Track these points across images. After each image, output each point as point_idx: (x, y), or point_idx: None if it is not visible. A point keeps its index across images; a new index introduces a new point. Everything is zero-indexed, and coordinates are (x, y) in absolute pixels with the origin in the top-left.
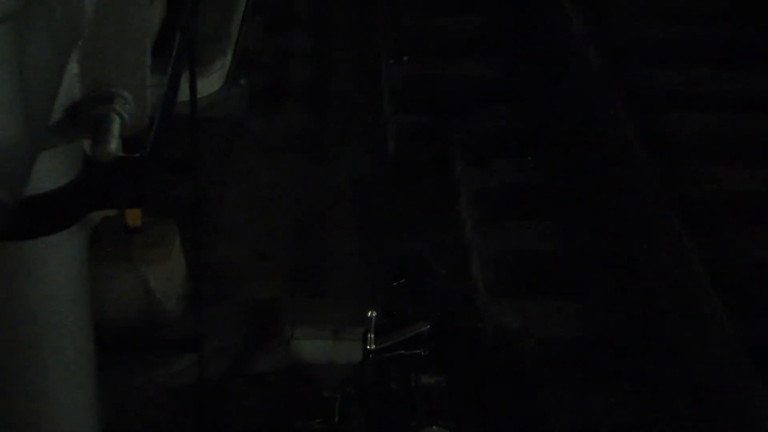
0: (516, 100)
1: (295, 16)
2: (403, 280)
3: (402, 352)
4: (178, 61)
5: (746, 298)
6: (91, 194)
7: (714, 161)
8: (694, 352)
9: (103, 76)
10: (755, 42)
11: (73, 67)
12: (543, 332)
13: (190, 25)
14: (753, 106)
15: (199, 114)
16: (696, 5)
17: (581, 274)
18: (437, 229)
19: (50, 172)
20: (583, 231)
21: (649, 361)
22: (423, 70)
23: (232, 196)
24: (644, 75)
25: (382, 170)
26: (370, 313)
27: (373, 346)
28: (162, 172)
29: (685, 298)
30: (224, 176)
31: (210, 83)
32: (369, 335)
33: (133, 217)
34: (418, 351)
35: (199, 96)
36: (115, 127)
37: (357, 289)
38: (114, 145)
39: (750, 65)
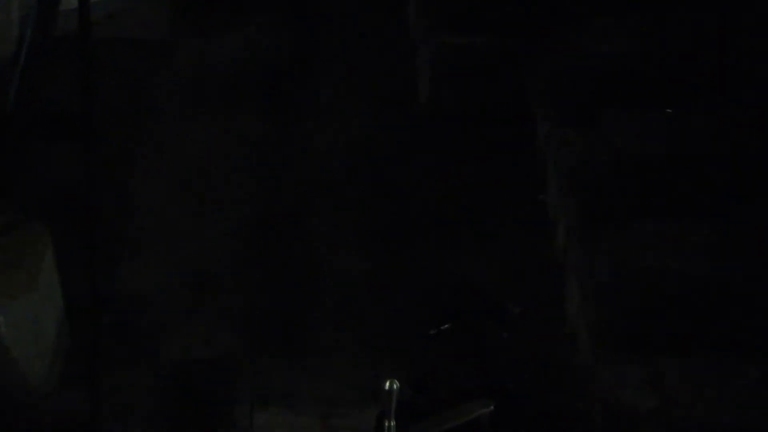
0: (642, 8)
1: None
2: (446, 326)
3: None
4: None
5: None
6: None
7: None
8: None
9: None
10: None
11: None
12: (694, 417)
13: None
14: None
15: (95, 34)
16: None
17: (761, 313)
18: (504, 236)
19: None
20: (762, 239)
21: None
22: None
23: (151, 179)
24: None
25: (408, 132)
26: (388, 384)
27: None
28: (31, 136)
29: None
30: (137, 143)
31: None
32: (387, 423)
33: None
34: None
35: (93, 1)
36: None
37: (364, 340)
38: None
39: None
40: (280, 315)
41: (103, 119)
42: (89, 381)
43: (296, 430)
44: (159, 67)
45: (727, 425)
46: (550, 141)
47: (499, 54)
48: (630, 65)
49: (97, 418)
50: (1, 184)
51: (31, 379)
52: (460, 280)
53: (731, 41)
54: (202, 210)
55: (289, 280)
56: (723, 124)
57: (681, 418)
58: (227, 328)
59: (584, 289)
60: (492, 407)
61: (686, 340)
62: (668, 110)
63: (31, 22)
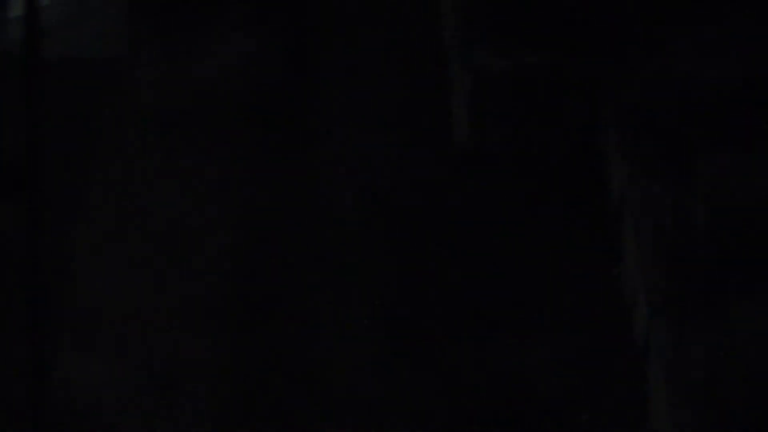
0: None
1: None
2: None
3: None
4: None
5: None
6: None
7: None
8: None
9: None
10: None
11: None
12: None
13: None
14: None
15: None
16: None
17: None
18: (567, 318)
19: None
20: None
21: None
22: None
23: (103, 239)
24: None
25: (440, 178)
26: None
27: None
28: None
29: None
30: (86, 193)
31: None
32: None
33: None
34: None
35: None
36: None
37: None
38: None
39: None
40: (269, 421)
41: (45, 161)
42: None
43: None
44: (114, 92)
45: None
46: (629, 195)
47: (562, 78)
48: (737, 94)
49: None
50: None
51: None
52: (507, 377)
53: None
54: (168, 279)
55: (281, 374)
56: None
57: None
58: None
59: (674, 389)
60: None
61: None
62: None
63: None
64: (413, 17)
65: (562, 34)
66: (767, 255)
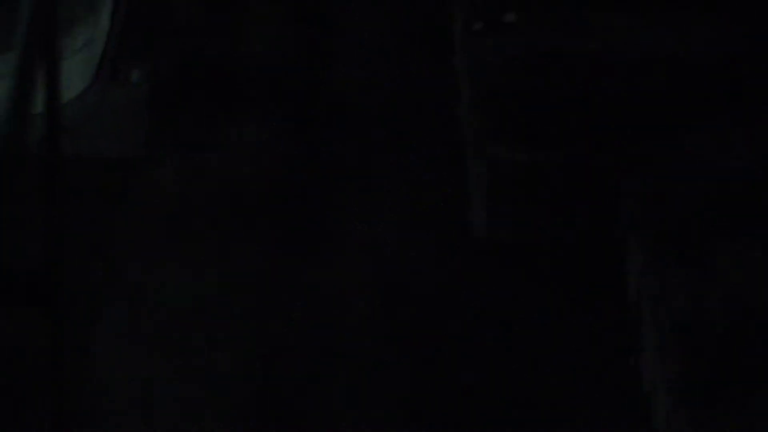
0: None
1: None
2: None
3: None
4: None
5: None
6: None
7: None
8: None
9: None
10: None
11: None
12: None
13: None
14: None
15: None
16: None
17: None
18: (585, 410)
19: None
20: None
21: None
22: (553, 39)
23: (122, 334)
24: None
25: (456, 271)
26: None
27: None
28: None
29: None
30: (101, 295)
31: (63, 81)
32: None
33: None
34: None
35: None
36: None
37: None
38: None
39: None
40: None
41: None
42: None
43: None
44: (132, 191)
45: None
46: (646, 285)
47: (577, 169)
48: (755, 184)
49: None
50: None
51: None
52: None
53: None
54: (185, 374)
55: None
56: None
57: None
58: None
59: None
60: None
61: None
62: None
63: None
64: (430, 109)
65: (578, 126)
66: None
